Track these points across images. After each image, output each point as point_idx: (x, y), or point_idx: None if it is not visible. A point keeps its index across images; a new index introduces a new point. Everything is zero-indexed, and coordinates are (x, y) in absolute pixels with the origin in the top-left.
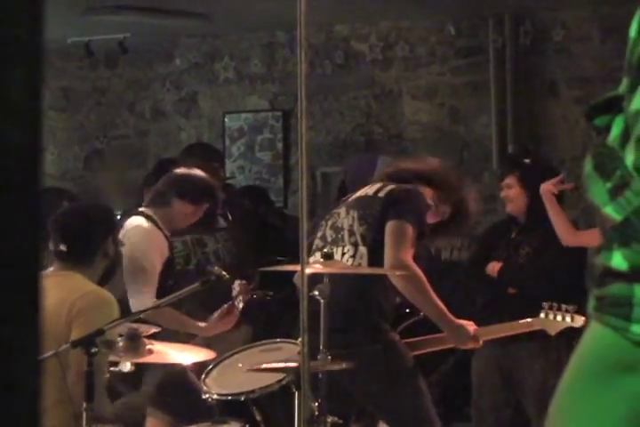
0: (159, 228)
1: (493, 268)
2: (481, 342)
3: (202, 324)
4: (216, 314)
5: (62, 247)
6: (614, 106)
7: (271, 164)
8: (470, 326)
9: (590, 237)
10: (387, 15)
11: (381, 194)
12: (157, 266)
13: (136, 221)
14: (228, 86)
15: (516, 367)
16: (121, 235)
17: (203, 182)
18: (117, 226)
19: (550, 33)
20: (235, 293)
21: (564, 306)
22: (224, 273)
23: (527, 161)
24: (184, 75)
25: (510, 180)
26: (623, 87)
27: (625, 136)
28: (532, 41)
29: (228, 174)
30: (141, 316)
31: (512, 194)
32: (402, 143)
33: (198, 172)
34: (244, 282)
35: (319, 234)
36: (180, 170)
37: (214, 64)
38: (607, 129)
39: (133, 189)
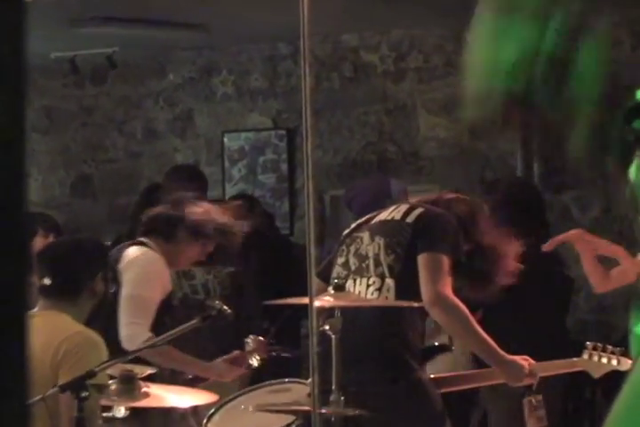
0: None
1: None
2: (537, 377)
3: (206, 363)
4: (223, 357)
5: (46, 281)
6: None
7: (275, 187)
8: (525, 360)
9: (621, 277)
10: (398, 23)
11: (410, 219)
12: (157, 298)
13: (140, 250)
14: (226, 103)
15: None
16: (121, 266)
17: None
18: (110, 263)
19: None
20: (248, 348)
21: (609, 347)
22: (225, 308)
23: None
24: (178, 91)
25: None
26: None
27: None
28: None
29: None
30: (138, 354)
31: None
32: (418, 162)
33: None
34: (260, 338)
35: (340, 260)
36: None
37: (211, 79)
38: None
39: (125, 218)
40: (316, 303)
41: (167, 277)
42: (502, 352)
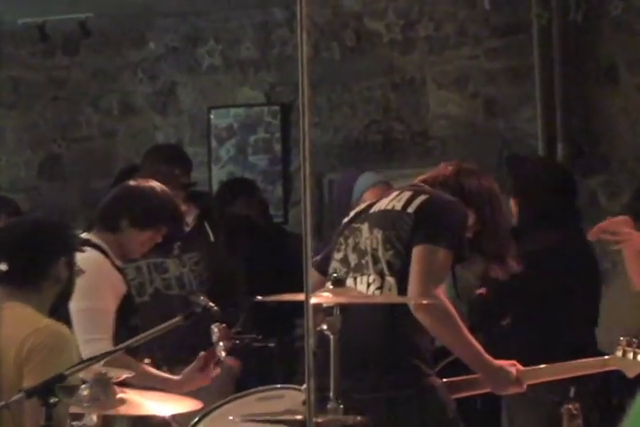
0: (108, 257)
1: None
2: (525, 385)
3: (173, 377)
4: (192, 365)
5: (2, 266)
6: None
7: (267, 170)
8: (512, 366)
9: None
10: None
11: (411, 209)
12: (111, 306)
13: (82, 254)
14: (213, 75)
15: (511, 419)
16: None
17: (159, 201)
18: (74, 246)
19: (607, 6)
20: (214, 338)
21: None
22: (211, 304)
23: (528, 164)
24: (159, 62)
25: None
26: None
27: None
28: (586, 16)
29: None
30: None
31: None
32: (427, 142)
33: (154, 186)
34: (223, 325)
35: (339, 256)
36: (131, 185)
37: (196, 49)
38: None
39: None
40: (313, 300)
41: (117, 279)
42: (489, 358)
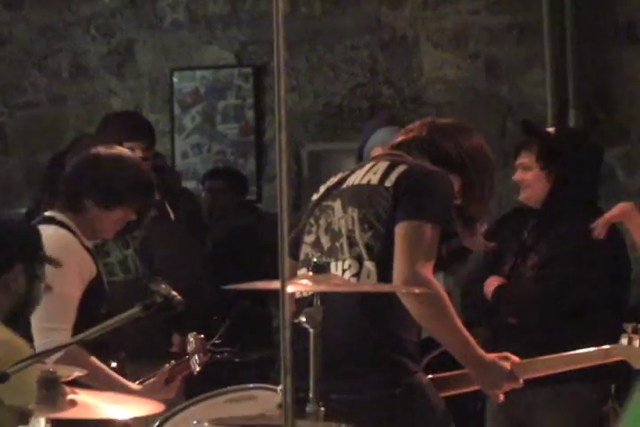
0: (76, 236)
1: (488, 287)
2: (521, 381)
3: (134, 385)
4: (157, 377)
5: None
6: None
7: (238, 140)
8: (505, 359)
9: None
10: None
11: (389, 182)
12: (76, 291)
13: (48, 232)
14: (176, 33)
15: (529, 421)
16: None
17: (126, 175)
18: (37, 252)
19: None
20: (189, 349)
21: None
22: (174, 293)
23: (551, 130)
24: (115, 17)
25: (526, 157)
26: None
27: None
28: None
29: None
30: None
31: (528, 177)
32: (420, 109)
33: (120, 155)
34: (201, 336)
35: (309, 239)
36: (92, 156)
37: (157, 2)
38: None
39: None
40: (290, 288)
41: (86, 261)
42: (482, 352)
